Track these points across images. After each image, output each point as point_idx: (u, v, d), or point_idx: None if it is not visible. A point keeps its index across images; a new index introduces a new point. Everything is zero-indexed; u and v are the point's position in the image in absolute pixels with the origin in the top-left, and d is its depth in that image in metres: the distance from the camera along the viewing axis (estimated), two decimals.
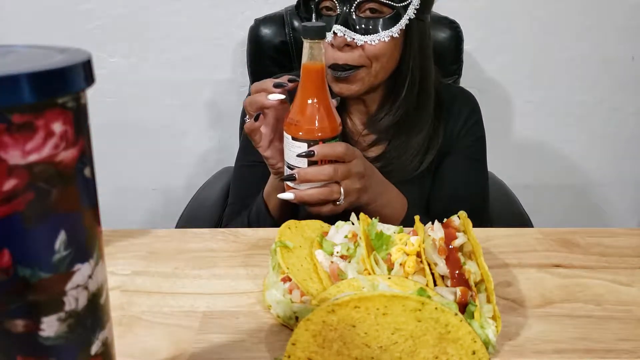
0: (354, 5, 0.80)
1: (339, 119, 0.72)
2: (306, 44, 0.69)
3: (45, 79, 0.26)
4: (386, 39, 0.81)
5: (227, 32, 1.45)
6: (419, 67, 0.88)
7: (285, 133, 0.71)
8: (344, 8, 0.80)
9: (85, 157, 0.30)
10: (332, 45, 0.81)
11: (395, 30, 0.81)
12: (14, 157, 0.26)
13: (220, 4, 1.42)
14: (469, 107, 0.96)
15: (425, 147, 0.91)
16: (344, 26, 0.80)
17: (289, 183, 0.72)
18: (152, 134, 1.56)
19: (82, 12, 1.42)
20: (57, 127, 0.27)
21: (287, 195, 0.72)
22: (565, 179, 1.68)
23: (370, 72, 0.84)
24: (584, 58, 1.52)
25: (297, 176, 0.70)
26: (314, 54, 0.69)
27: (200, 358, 0.50)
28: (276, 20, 1.21)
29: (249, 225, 0.86)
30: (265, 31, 1.20)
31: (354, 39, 0.80)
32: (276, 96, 0.71)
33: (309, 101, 0.70)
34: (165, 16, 1.43)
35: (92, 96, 0.34)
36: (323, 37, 0.68)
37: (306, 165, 0.70)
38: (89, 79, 0.29)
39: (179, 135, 1.56)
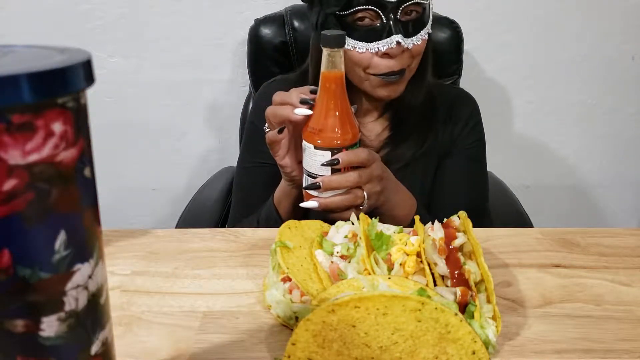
0: (399, 11, 0.79)
1: (357, 124, 0.73)
2: (325, 52, 0.68)
3: (45, 79, 0.26)
4: (426, 37, 0.83)
5: (227, 32, 1.45)
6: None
7: (305, 142, 0.71)
8: (390, 16, 0.79)
9: (85, 157, 0.30)
10: (384, 54, 0.81)
11: (429, 27, 0.83)
12: (14, 157, 0.26)
13: (220, 4, 1.42)
14: (469, 108, 0.97)
15: (425, 130, 0.92)
16: (400, 34, 0.79)
17: (311, 192, 0.72)
18: (152, 134, 1.56)
19: (82, 12, 1.42)
20: (57, 127, 0.27)
21: (311, 204, 0.71)
22: (565, 179, 1.68)
23: (411, 70, 0.86)
24: (584, 58, 1.52)
25: (321, 184, 0.70)
26: (334, 62, 0.68)
27: (200, 358, 0.50)
28: (276, 20, 1.21)
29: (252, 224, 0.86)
30: (265, 31, 1.20)
31: (404, 43, 0.80)
32: (303, 111, 0.70)
33: (330, 110, 0.70)
34: (165, 16, 1.43)
35: (92, 96, 0.34)
36: (342, 45, 0.68)
37: (329, 173, 0.70)
38: (89, 79, 0.29)
39: (179, 135, 1.56)
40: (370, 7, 0.79)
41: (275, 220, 0.83)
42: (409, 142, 0.91)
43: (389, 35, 0.79)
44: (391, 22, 0.79)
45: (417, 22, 0.81)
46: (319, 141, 0.69)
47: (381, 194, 0.75)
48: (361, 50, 0.81)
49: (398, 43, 0.79)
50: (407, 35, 0.80)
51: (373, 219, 0.59)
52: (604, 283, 0.62)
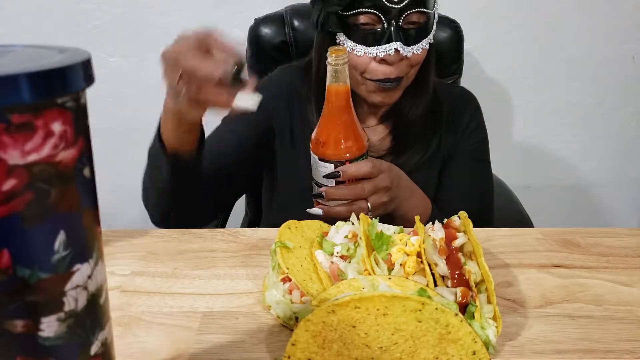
0: (402, 18, 0.79)
1: (365, 136, 0.73)
2: (330, 67, 0.68)
3: (45, 79, 0.26)
4: (427, 47, 0.82)
5: (227, 32, 1.44)
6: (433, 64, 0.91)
7: (311, 153, 0.72)
8: (392, 22, 0.78)
9: (85, 157, 0.30)
10: (382, 60, 0.80)
11: (431, 37, 0.82)
12: (14, 157, 0.26)
13: (220, 4, 1.42)
14: (472, 108, 0.97)
15: (429, 136, 0.92)
16: (400, 42, 0.78)
17: (317, 199, 0.74)
18: (151, 134, 1.55)
19: (82, 12, 1.42)
20: (57, 127, 0.27)
21: (316, 211, 0.73)
22: (566, 179, 1.67)
23: (408, 78, 0.85)
24: (584, 58, 1.52)
25: (324, 195, 0.71)
26: (339, 77, 0.68)
27: (200, 358, 0.50)
28: (276, 20, 1.20)
29: (147, 170, 0.81)
30: (265, 31, 1.20)
31: (403, 51, 0.79)
32: (243, 102, 0.59)
33: (334, 123, 0.70)
34: (166, 16, 1.43)
35: (92, 96, 0.34)
36: (347, 60, 0.68)
37: (334, 183, 0.71)
38: (89, 79, 0.29)
39: None
40: (372, 10, 0.78)
41: (156, 150, 0.75)
42: (413, 150, 0.91)
43: (389, 41, 0.78)
44: (392, 28, 0.78)
45: (419, 31, 0.80)
46: (323, 153, 0.71)
47: (390, 203, 0.75)
48: (359, 53, 0.80)
49: (397, 51, 0.79)
50: (407, 43, 0.79)
51: (373, 219, 0.59)
52: (604, 283, 0.62)
